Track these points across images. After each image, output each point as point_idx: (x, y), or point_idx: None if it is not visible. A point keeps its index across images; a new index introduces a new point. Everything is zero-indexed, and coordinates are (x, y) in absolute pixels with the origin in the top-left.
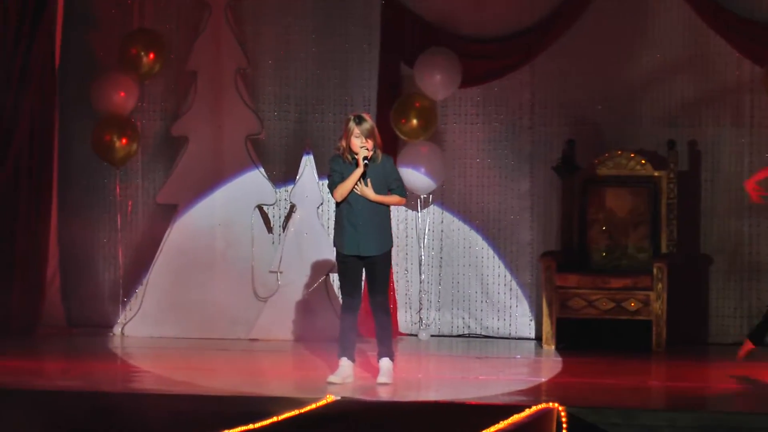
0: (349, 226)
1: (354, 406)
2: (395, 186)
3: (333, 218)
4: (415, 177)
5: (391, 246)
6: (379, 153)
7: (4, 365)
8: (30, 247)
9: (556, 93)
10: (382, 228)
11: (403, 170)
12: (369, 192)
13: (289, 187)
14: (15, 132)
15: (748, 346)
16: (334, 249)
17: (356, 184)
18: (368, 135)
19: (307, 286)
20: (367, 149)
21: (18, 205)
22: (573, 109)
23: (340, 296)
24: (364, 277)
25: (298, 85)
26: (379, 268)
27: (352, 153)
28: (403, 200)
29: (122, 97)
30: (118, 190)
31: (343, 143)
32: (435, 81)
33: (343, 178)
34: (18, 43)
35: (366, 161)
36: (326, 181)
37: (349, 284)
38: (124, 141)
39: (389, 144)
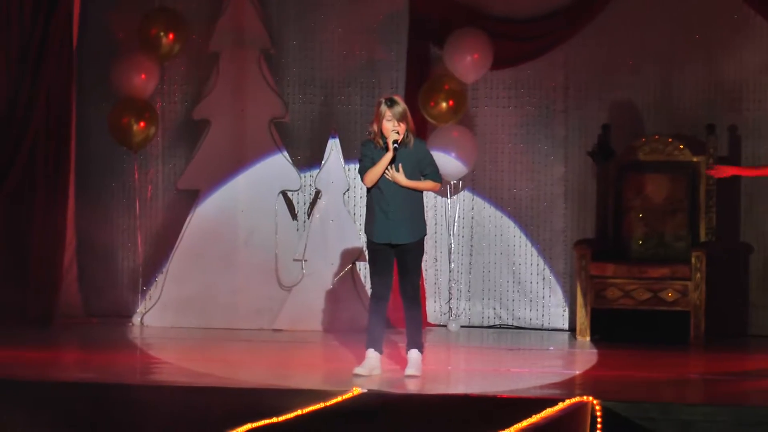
0: (380, 212)
1: (381, 399)
2: (429, 171)
3: (360, 204)
4: (446, 162)
5: (425, 234)
6: (412, 137)
7: (20, 356)
8: (46, 234)
9: (590, 75)
10: (414, 215)
11: (432, 155)
12: (400, 177)
13: (315, 172)
14: (31, 116)
15: None
16: (365, 236)
17: (386, 169)
18: (400, 118)
19: (333, 274)
20: (398, 133)
21: (34, 191)
22: (608, 92)
23: (370, 285)
24: (395, 266)
25: (323, 67)
26: (411, 256)
27: (384, 137)
28: (438, 186)
29: (143, 80)
30: (137, 175)
31: (375, 127)
32: (465, 63)
33: (373, 163)
34: (35, 24)
35: (396, 145)
36: (353, 166)
37: (379, 273)
38: (142, 124)
39: (417, 128)
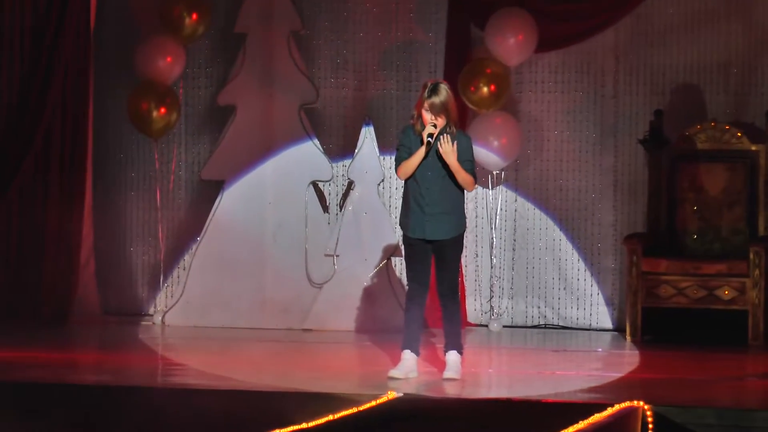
0: (415, 206)
1: (418, 403)
2: (466, 168)
3: (396, 196)
4: (487, 151)
5: (464, 230)
6: (454, 129)
7: (35, 357)
8: (62, 227)
9: (643, 58)
10: (453, 209)
11: (474, 145)
12: (449, 150)
13: (347, 162)
14: (46, 103)
15: None
16: (401, 230)
17: (438, 146)
18: (439, 111)
19: (367, 271)
20: (435, 126)
21: (49, 182)
22: (662, 76)
23: (406, 282)
24: (432, 263)
25: (357, 50)
26: (449, 253)
27: (423, 126)
28: (473, 181)
29: (168, 63)
30: (157, 165)
31: (416, 111)
32: (508, 44)
33: (410, 154)
34: (51, 5)
35: (430, 139)
36: (388, 156)
37: (415, 270)
38: (162, 110)
39: (460, 114)
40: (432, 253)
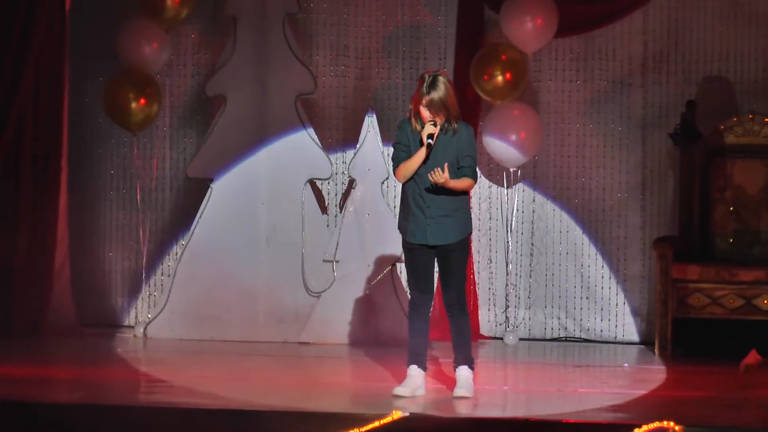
0: (415, 208)
1: (425, 423)
2: (467, 164)
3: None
4: (505, 147)
5: (469, 233)
6: (455, 125)
7: (3, 372)
8: (34, 229)
9: (674, 44)
10: (456, 210)
11: (489, 139)
12: (442, 178)
13: (348, 158)
14: (18, 90)
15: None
16: (400, 235)
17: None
18: (438, 108)
19: (370, 278)
20: (435, 125)
21: (19, 178)
22: (694, 65)
23: (408, 291)
24: (437, 269)
25: (359, 34)
26: (454, 258)
27: (421, 122)
28: (472, 184)
29: (155, 50)
30: (138, 161)
31: (412, 105)
32: (526, 28)
33: (408, 153)
34: None
35: (431, 141)
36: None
37: (417, 277)
38: (142, 101)
39: (470, 105)
40: (435, 259)
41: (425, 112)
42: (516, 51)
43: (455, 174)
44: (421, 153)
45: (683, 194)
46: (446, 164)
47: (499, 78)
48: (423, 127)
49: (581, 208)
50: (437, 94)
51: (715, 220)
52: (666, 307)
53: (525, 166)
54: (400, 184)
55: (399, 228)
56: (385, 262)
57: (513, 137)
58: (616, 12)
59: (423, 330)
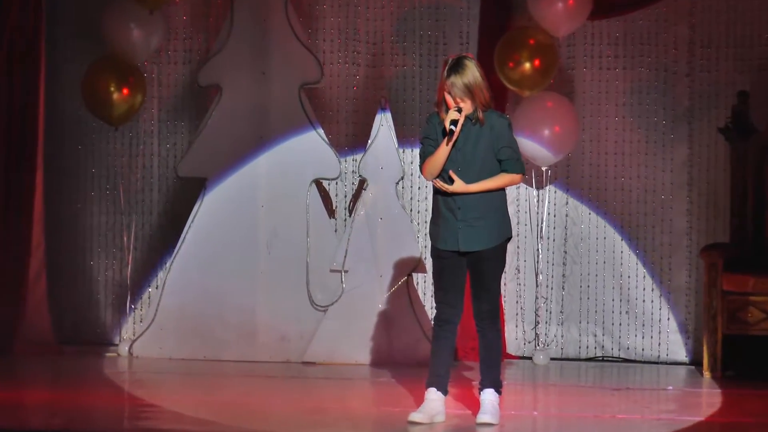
0: (446, 211)
1: None
2: (506, 156)
3: (418, 197)
4: (535, 143)
5: (508, 237)
6: (480, 114)
7: None
8: (6, 235)
9: (724, 27)
10: (492, 212)
11: (518, 136)
12: (457, 186)
13: (359, 156)
14: None
15: None
16: (430, 241)
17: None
18: (463, 93)
19: (383, 290)
20: (459, 111)
21: None
22: (748, 50)
23: (433, 304)
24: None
25: (370, 16)
26: (488, 267)
27: (447, 109)
28: (519, 179)
29: (144, 33)
30: (122, 158)
31: (438, 95)
32: (556, 9)
33: (434, 150)
34: None
35: (453, 127)
36: (409, 149)
37: (446, 289)
38: (125, 91)
39: (495, 97)
40: (467, 268)
41: (449, 99)
42: (546, 35)
43: (489, 172)
44: (443, 148)
45: (735, 196)
46: (450, 171)
47: (527, 65)
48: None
49: (620, 211)
50: (461, 77)
51: None
52: (715, 323)
53: (557, 165)
54: (419, 186)
55: (430, 234)
56: (400, 272)
57: (545, 132)
58: None
59: (447, 349)
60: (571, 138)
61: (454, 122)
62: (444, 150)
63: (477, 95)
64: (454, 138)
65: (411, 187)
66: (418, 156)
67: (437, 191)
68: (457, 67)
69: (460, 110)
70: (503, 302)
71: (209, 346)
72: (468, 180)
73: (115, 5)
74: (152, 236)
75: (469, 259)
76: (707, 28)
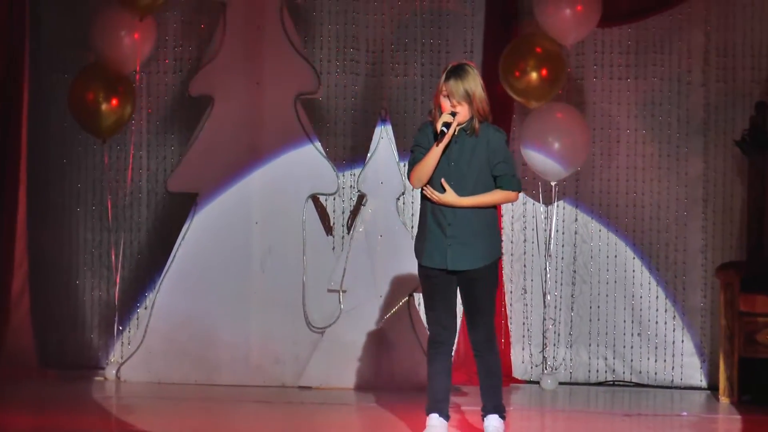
0: (435, 226)
1: None
2: (501, 172)
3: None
4: (543, 157)
5: (499, 256)
6: (477, 124)
7: None
8: None
9: (741, 34)
10: (484, 230)
11: (525, 148)
12: (448, 197)
13: (357, 170)
14: None
15: None
16: (416, 258)
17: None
18: (461, 97)
19: (382, 311)
20: (454, 114)
21: None
22: (765, 59)
23: (427, 326)
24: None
25: (371, 23)
26: (480, 288)
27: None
28: (515, 196)
29: (136, 41)
30: (110, 172)
31: (434, 102)
32: (564, 17)
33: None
34: None
35: (445, 130)
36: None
37: (437, 310)
38: (114, 102)
39: (501, 107)
40: (458, 287)
41: (445, 103)
42: (553, 42)
43: (484, 187)
44: (435, 151)
45: (752, 212)
46: (443, 180)
47: (533, 75)
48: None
49: (632, 228)
50: (462, 82)
51: None
52: (732, 346)
53: (566, 180)
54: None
55: (415, 250)
56: (401, 292)
57: (556, 145)
58: None
59: (445, 372)
60: (582, 151)
61: (447, 125)
62: (434, 153)
63: (475, 103)
64: (445, 141)
65: (412, 203)
66: (407, 164)
67: (426, 204)
68: (458, 71)
69: (454, 114)
70: (509, 324)
71: (200, 369)
72: (459, 192)
73: (103, 12)
74: (141, 254)
75: (460, 279)
76: (723, 36)
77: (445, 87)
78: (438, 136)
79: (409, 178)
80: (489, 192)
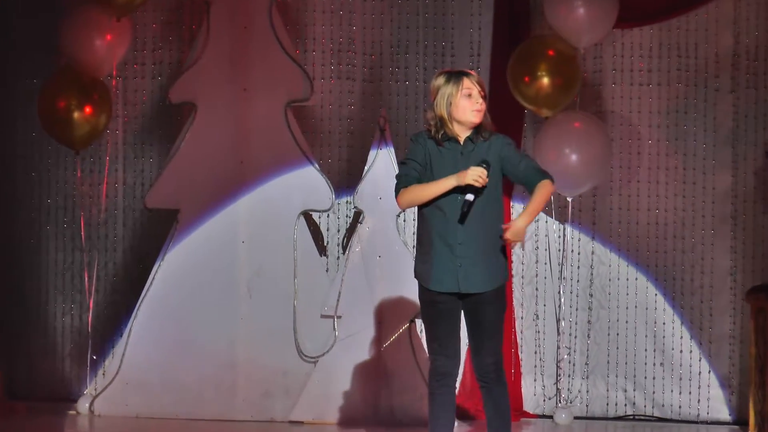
0: (442, 246)
1: None
2: (526, 167)
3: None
4: (560, 170)
5: (507, 279)
6: (487, 126)
7: None
8: None
9: None
10: (494, 250)
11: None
12: (520, 222)
13: (354, 185)
14: None
15: None
16: (418, 282)
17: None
18: (483, 89)
19: (381, 339)
20: (487, 165)
21: None
22: None
23: (428, 355)
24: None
25: (368, 24)
26: (489, 312)
27: (447, 132)
28: (551, 185)
29: (108, 43)
30: (82, 186)
31: (430, 114)
32: (578, 17)
33: (421, 174)
34: None
35: (470, 198)
36: None
37: (440, 337)
38: (87, 110)
39: (510, 113)
40: (462, 312)
41: (466, 104)
42: (566, 45)
43: (494, 200)
44: (446, 186)
45: None
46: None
47: (545, 80)
48: (446, 138)
49: (654, 249)
50: (475, 76)
51: None
52: (763, 377)
53: (582, 195)
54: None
55: (416, 273)
56: (401, 318)
57: (573, 158)
58: None
59: (448, 406)
60: (600, 166)
61: (475, 190)
62: (442, 188)
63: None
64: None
65: (414, 220)
66: (395, 178)
67: (430, 222)
68: (462, 71)
69: (488, 165)
70: (519, 353)
71: (182, 403)
72: (471, 216)
73: (75, 11)
74: (116, 276)
75: (467, 303)
76: (754, 38)
77: (466, 84)
78: (464, 204)
79: (396, 196)
80: (534, 194)
